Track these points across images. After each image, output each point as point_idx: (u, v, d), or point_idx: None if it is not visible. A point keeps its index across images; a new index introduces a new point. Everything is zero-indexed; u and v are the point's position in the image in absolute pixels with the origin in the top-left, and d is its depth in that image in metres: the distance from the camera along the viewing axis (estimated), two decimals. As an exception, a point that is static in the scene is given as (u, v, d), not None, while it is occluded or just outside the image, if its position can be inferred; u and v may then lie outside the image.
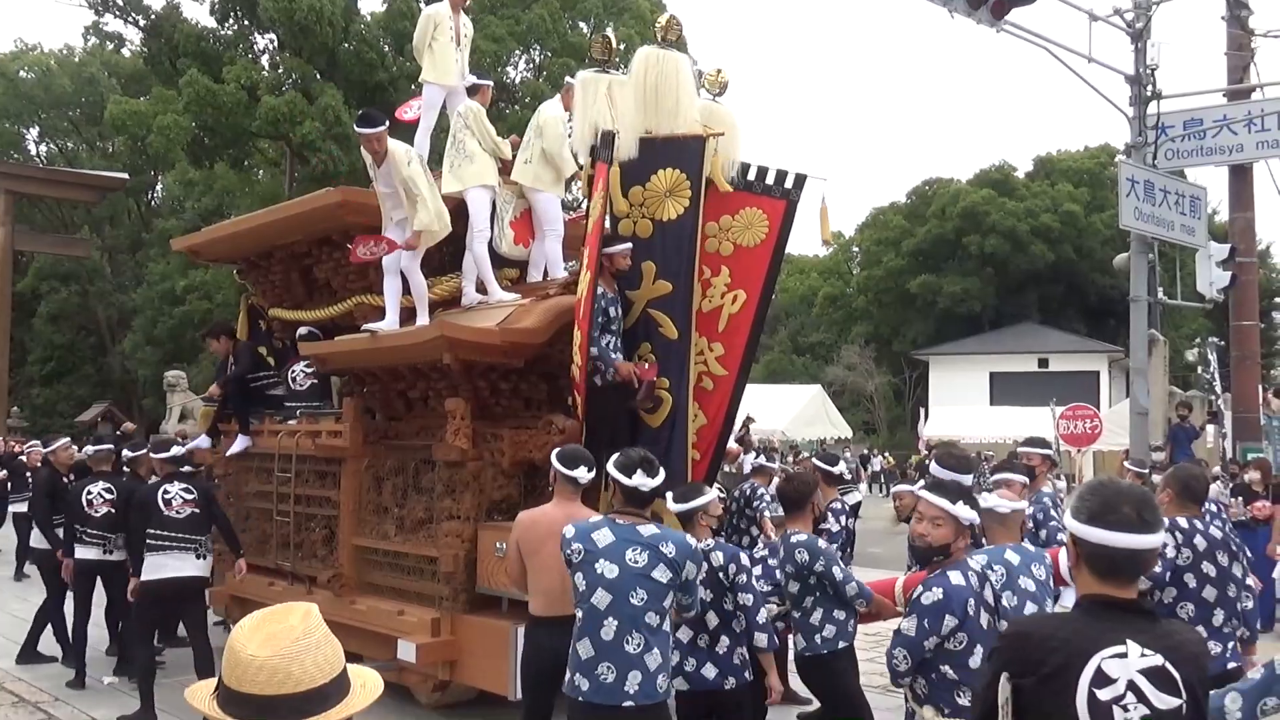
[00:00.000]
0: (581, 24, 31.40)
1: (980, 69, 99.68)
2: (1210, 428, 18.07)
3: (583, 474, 5.13)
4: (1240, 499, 11.52)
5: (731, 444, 21.00)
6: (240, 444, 9.14)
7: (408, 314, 7.53)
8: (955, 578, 3.75)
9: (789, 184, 7.20)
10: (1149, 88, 13.32)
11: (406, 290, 7.54)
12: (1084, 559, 2.41)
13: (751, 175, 7.28)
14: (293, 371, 8.83)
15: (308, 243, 8.58)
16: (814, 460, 6.79)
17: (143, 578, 7.20)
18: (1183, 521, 5.00)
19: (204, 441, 9.73)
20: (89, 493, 8.26)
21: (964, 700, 3.69)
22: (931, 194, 48.59)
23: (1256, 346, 15.62)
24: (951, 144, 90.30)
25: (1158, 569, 4.86)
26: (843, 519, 7.33)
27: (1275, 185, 19.44)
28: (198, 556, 7.35)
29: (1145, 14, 13.35)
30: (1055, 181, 46.56)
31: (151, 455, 8.04)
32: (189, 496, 7.41)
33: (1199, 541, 4.97)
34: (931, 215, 46.74)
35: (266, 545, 8.83)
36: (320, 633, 1.82)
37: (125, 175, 32.84)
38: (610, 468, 4.47)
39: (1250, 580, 5.34)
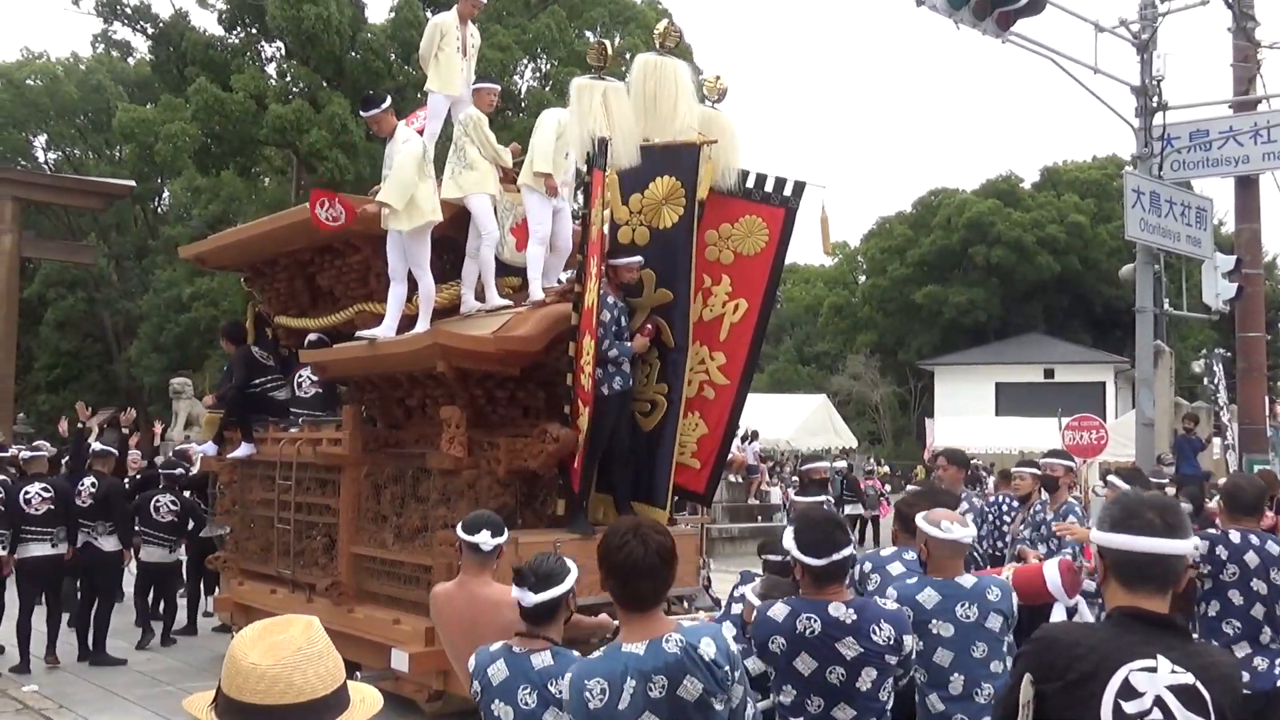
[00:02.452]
0: (588, 33, 31.44)
1: (986, 80, 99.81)
2: (1215, 440, 17.99)
3: (485, 539, 4.40)
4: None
5: (735, 452, 21.10)
6: (243, 450, 9.14)
7: (409, 322, 7.51)
8: (774, 611, 3.53)
9: (788, 191, 7.18)
10: (1155, 99, 13.30)
11: (410, 298, 7.53)
12: (1110, 569, 2.38)
13: (750, 183, 7.26)
14: (298, 379, 8.84)
15: (310, 250, 8.58)
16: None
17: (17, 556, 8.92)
18: (1234, 535, 4.61)
19: (210, 449, 9.77)
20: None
21: None
22: (937, 204, 48.52)
23: (1263, 358, 15.53)
24: (957, 154, 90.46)
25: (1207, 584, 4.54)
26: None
27: (1282, 196, 19.39)
28: (52, 545, 9.02)
29: (1151, 25, 13.33)
30: (1061, 192, 46.49)
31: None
32: (48, 495, 9.10)
33: (1250, 557, 4.56)
34: (937, 225, 46.69)
35: (269, 553, 8.81)
36: (322, 644, 1.81)
37: (132, 183, 32.80)
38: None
39: None
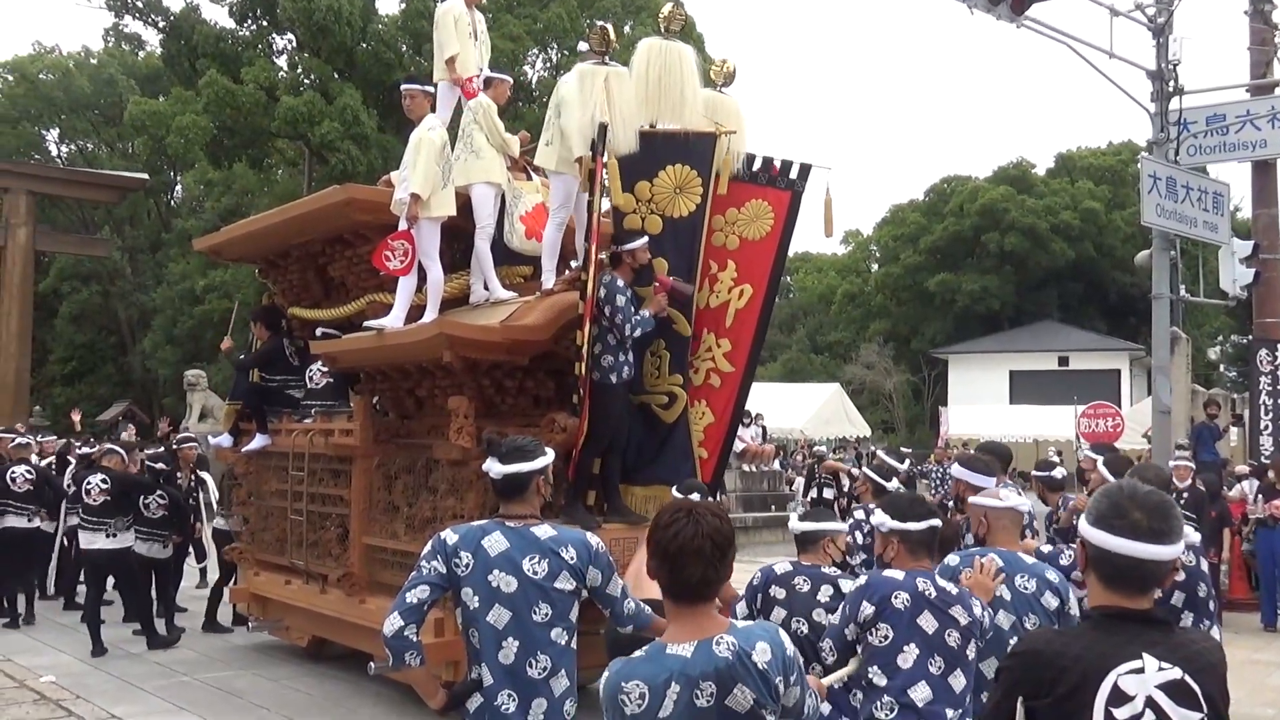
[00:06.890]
0: (600, 22, 31.36)
1: (1000, 65, 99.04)
2: (1234, 429, 17.87)
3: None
4: (1261, 497, 11.40)
5: (754, 442, 21.05)
6: (258, 442, 9.17)
7: (419, 313, 7.46)
8: (890, 572, 3.73)
9: (794, 175, 7.12)
10: (1171, 83, 13.16)
11: (420, 287, 7.48)
12: (1090, 563, 2.29)
13: (756, 166, 7.20)
14: (310, 370, 8.83)
15: (321, 241, 8.57)
16: (866, 471, 6.70)
17: None
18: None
19: (225, 440, 9.77)
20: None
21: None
22: (950, 191, 48.21)
23: (1280, 344, 15.42)
24: (970, 140, 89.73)
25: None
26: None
27: (1299, 181, 19.20)
28: (28, 520, 10.64)
29: (1167, 8, 13.19)
30: (1075, 179, 46.16)
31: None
32: (30, 476, 10.71)
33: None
34: (950, 212, 46.39)
35: (284, 544, 8.83)
36: None
37: (145, 175, 33.02)
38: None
39: None
